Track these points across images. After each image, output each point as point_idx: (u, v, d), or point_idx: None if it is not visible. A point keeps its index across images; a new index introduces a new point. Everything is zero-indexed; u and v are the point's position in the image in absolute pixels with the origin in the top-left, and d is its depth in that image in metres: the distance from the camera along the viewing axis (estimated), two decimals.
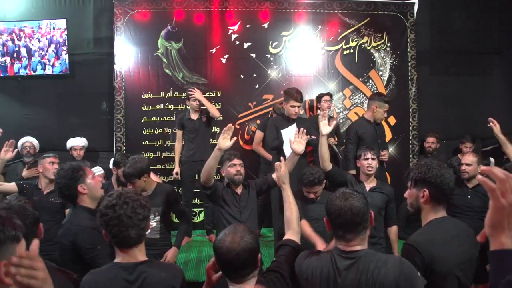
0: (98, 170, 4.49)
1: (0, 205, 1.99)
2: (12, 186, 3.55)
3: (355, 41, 5.57)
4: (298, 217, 2.08)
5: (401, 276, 1.53)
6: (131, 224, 1.62)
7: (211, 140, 4.95)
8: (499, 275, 1.00)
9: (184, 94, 4.98)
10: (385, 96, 4.53)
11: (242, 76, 5.45)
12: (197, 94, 4.60)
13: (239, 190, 3.15)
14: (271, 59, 5.49)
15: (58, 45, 5.22)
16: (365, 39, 5.59)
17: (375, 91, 5.36)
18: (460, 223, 2.03)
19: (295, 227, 2.00)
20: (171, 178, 4.99)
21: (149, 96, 5.31)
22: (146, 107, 5.31)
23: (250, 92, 5.44)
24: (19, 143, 4.61)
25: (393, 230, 3.45)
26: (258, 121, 5.33)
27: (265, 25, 5.46)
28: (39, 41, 5.21)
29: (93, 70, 5.44)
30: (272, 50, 5.49)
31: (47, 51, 5.23)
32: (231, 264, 1.52)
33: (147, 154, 5.19)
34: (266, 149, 4.59)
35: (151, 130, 5.31)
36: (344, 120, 5.58)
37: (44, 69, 5.25)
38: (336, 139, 5.03)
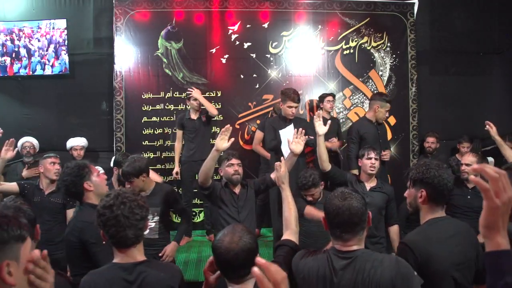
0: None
1: None
2: (13, 186, 3.55)
3: (355, 41, 5.57)
4: (297, 217, 2.08)
5: (398, 276, 1.52)
6: (128, 224, 1.62)
7: (211, 140, 4.94)
8: (497, 276, 0.99)
9: (184, 94, 4.99)
10: (387, 95, 4.52)
11: (242, 76, 5.45)
12: (195, 93, 4.61)
13: (237, 190, 3.15)
14: (271, 59, 5.49)
15: (57, 45, 5.22)
16: (365, 39, 5.59)
17: (375, 91, 5.36)
18: (460, 223, 2.03)
19: (293, 227, 2.00)
20: (171, 178, 4.99)
21: (149, 96, 5.31)
22: (146, 107, 5.31)
23: (250, 92, 5.45)
24: (19, 143, 4.60)
25: (394, 229, 3.45)
26: (258, 121, 5.33)
27: (265, 25, 5.46)
28: (39, 41, 5.22)
29: (93, 70, 5.44)
30: (272, 50, 5.49)
31: (46, 51, 5.23)
32: (229, 264, 1.52)
33: (147, 154, 5.20)
34: (265, 149, 4.59)
35: (151, 130, 5.31)
36: (344, 120, 5.58)
37: (43, 69, 5.25)
38: (338, 140, 5.02)
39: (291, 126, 3.91)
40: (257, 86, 5.45)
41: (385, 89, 5.59)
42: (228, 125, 2.82)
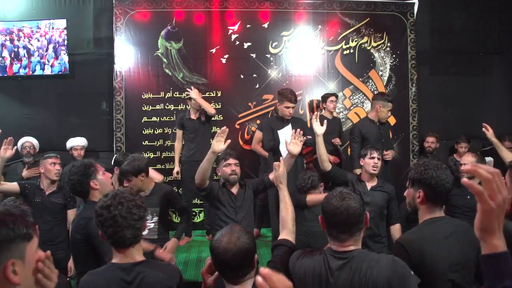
0: None
1: None
2: (14, 186, 3.54)
3: (355, 41, 5.57)
4: (294, 217, 2.08)
5: (394, 275, 1.52)
6: (126, 224, 1.62)
7: (211, 140, 4.93)
8: (495, 279, 0.96)
9: (184, 94, 4.99)
10: (388, 95, 4.52)
11: (242, 76, 5.45)
12: (192, 93, 4.61)
13: (235, 190, 3.14)
14: (271, 59, 5.49)
15: (57, 45, 5.22)
16: (365, 39, 5.58)
17: (375, 91, 5.37)
18: (460, 222, 2.02)
19: (290, 226, 2.01)
20: (171, 178, 4.99)
21: (149, 96, 5.31)
22: (146, 107, 5.31)
23: (250, 92, 5.44)
24: (19, 143, 4.59)
25: (396, 228, 3.40)
26: (258, 121, 5.32)
27: (265, 25, 5.46)
28: (38, 41, 5.22)
29: (93, 70, 5.44)
30: (272, 50, 5.49)
31: (46, 51, 5.24)
32: (227, 264, 1.52)
33: (147, 154, 5.20)
34: (263, 149, 4.59)
35: (151, 130, 5.31)
36: (344, 120, 5.58)
37: (43, 69, 5.25)
38: (339, 141, 5.02)
39: (289, 126, 3.90)
40: (257, 86, 5.45)
41: (385, 89, 5.59)
42: (225, 127, 2.81)
